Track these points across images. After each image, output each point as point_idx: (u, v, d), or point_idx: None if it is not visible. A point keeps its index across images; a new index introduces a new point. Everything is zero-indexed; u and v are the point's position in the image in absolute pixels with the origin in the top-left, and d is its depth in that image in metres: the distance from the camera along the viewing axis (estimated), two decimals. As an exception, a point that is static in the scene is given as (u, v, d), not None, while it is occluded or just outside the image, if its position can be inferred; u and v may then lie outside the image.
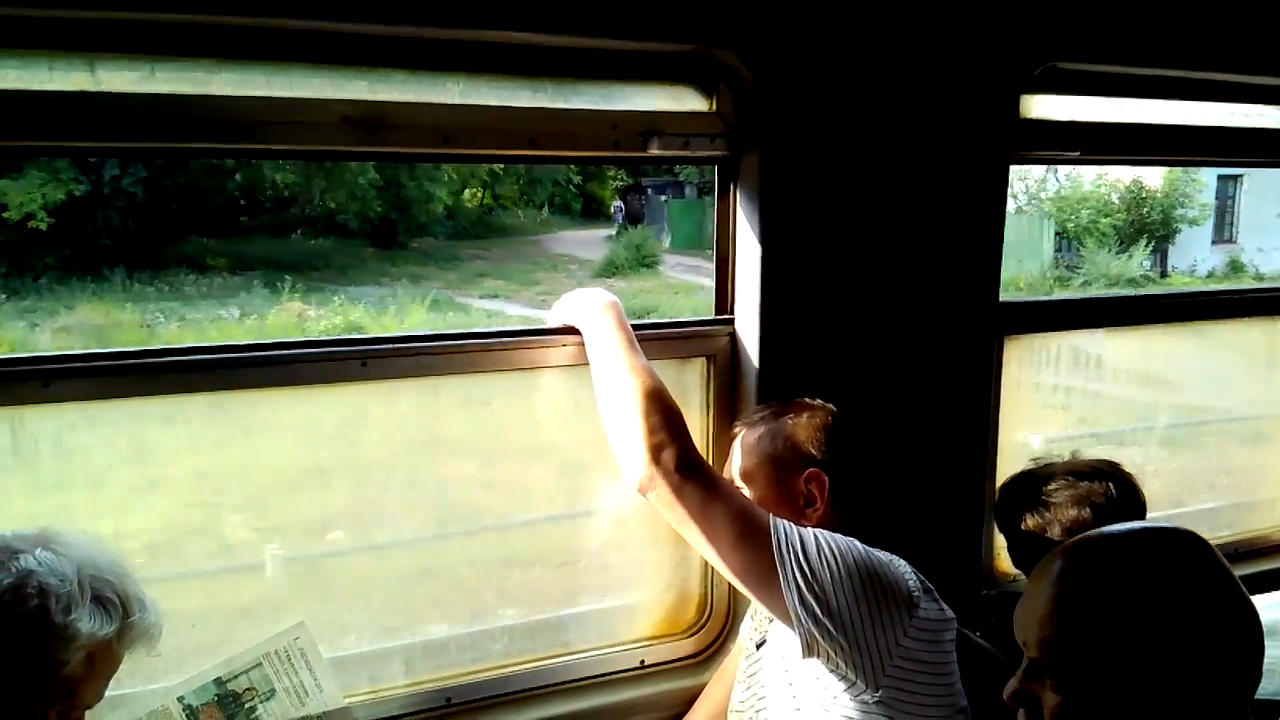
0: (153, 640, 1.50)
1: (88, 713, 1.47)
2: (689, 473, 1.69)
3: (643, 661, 2.19)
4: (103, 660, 1.44)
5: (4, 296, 16.20)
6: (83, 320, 15.03)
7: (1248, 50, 2.44)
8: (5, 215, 16.08)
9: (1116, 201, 25.01)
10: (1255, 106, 2.69)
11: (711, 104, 2.04)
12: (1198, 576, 1.23)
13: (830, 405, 1.93)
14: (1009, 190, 2.34)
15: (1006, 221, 2.29)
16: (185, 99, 1.63)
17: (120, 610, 1.44)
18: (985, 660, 2.06)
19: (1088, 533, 1.37)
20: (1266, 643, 1.25)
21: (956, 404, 2.30)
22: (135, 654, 1.50)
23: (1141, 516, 2.04)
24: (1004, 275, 2.30)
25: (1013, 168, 2.31)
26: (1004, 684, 2.04)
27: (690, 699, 2.16)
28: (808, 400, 1.95)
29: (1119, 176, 24.23)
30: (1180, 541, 1.27)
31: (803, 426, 1.88)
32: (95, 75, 1.58)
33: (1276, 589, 2.68)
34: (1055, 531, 2.01)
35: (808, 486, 1.83)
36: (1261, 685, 1.26)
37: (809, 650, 1.64)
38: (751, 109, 2.00)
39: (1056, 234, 24.08)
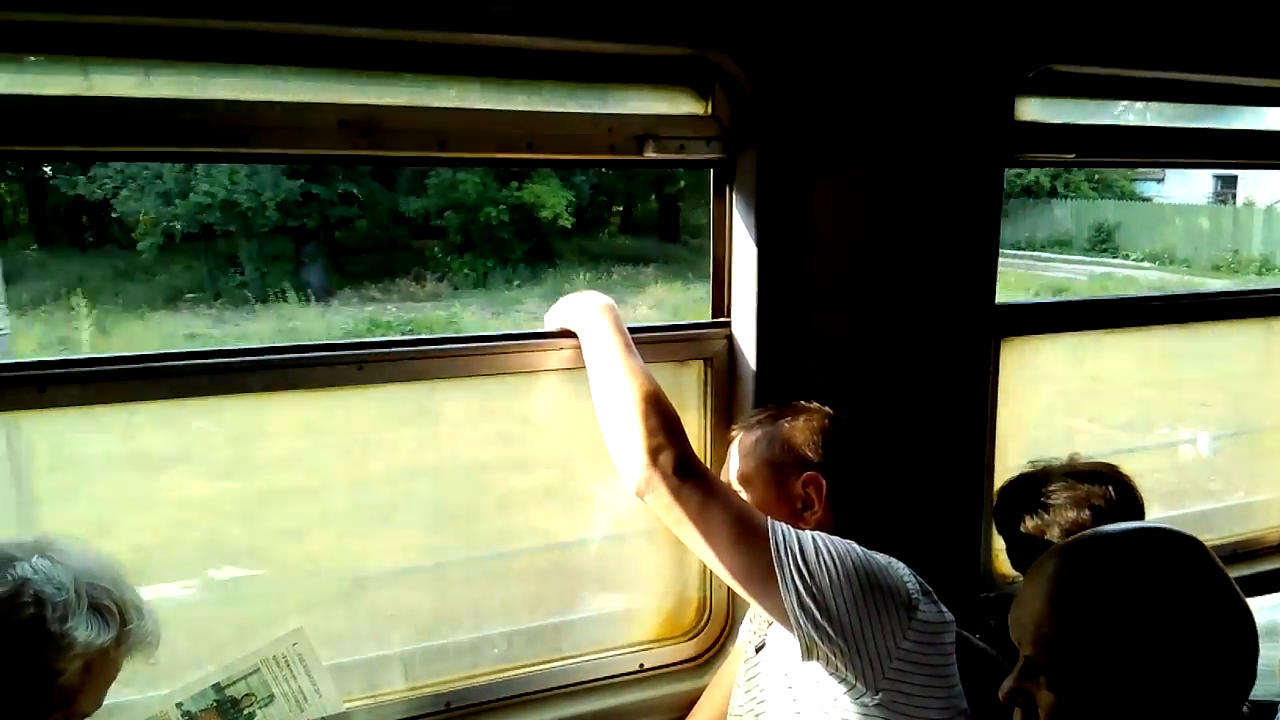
0: (150, 648, 1.49)
1: None
2: (687, 475, 1.69)
3: (642, 665, 2.19)
4: (100, 669, 1.43)
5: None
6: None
7: (1242, 52, 2.45)
8: (541, 215, 20.54)
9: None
10: (1251, 108, 2.70)
11: (707, 107, 2.04)
12: (1192, 577, 1.23)
13: (827, 408, 1.93)
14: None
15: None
16: (180, 103, 1.63)
17: (118, 618, 1.43)
18: (985, 662, 2.06)
19: (1083, 532, 1.37)
20: (1262, 644, 1.26)
21: (954, 406, 2.30)
22: (133, 662, 1.49)
23: (1140, 519, 2.04)
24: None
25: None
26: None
27: (689, 702, 2.16)
28: (805, 403, 1.95)
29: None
30: (1175, 542, 1.27)
31: (800, 429, 1.88)
32: (89, 79, 1.58)
33: (1273, 590, 2.69)
34: (1054, 533, 2.01)
35: (805, 489, 1.83)
36: (1258, 686, 1.26)
37: (808, 653, 1.63)
38: (747, 112, 2.00)
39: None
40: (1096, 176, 27.19)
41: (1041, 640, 1.26)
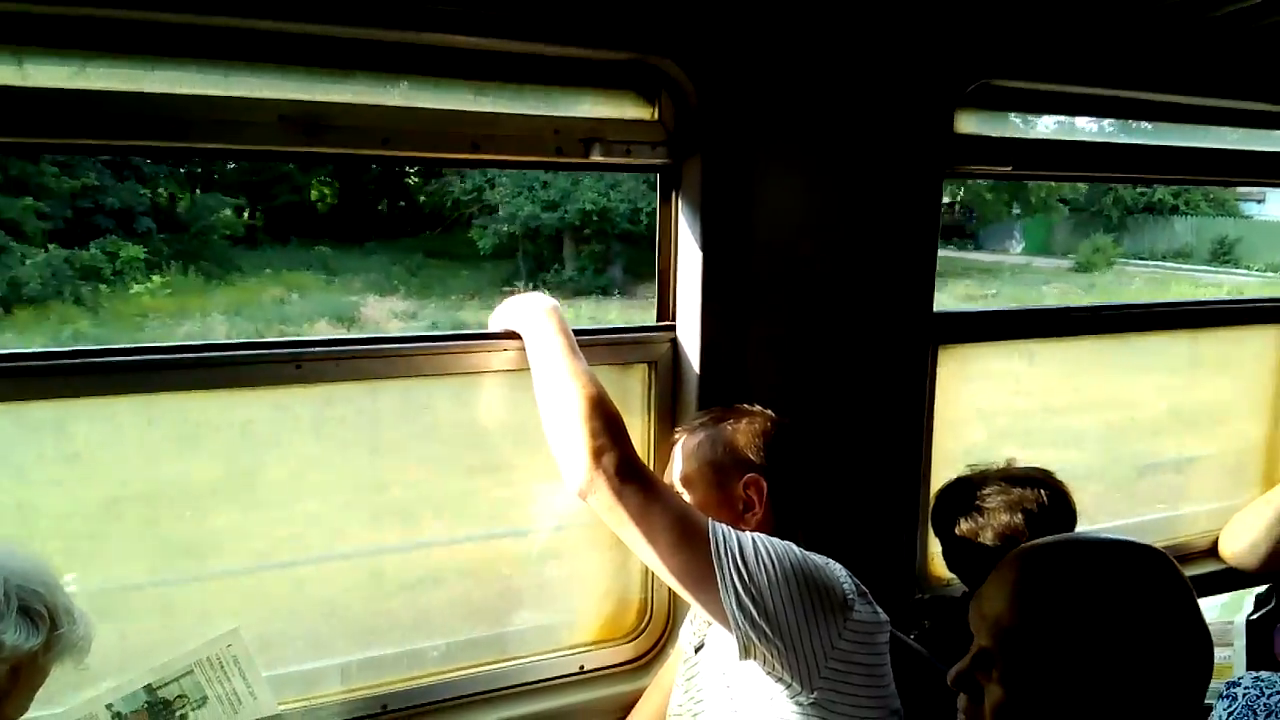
0: (81, 653, 1.46)
1: None
2: (629, 477, 1.70)
3: (582, 667, 2.20)
4: (28, 673, 1.40)
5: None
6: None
7: (1175, 70, 2.53)
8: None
9: None
10: (1187, 126, 2.79)
11: (653, 112, 2.05)
12: (1159, 589, 1.25)
13: (769, 411, 1.96)
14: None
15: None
16: (117, 95, 1.60)
17: (48, 622, 1.40)
18: (919, 663, 2.10)
19: (1060, 535, 1.39)
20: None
21: (892, 411, 2.34)
22: (63, 667, 1.46)
23: (1072, 524, 2.10)
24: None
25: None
26: (936, 686, 2.08)
27: (629, 704, 2.17)
28: (747, 406, 1.97)
29: None
30: (1148, 556, 1.29)
31: (742, 432, 1.90)
32: (22, 69, 1.54)
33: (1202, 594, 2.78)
34: (988, 536, 2.06)
35: (746, 491, 1.85)
36: None
37: (746, 652, 1.65)
38: (692, 118, 2.02)
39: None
40: (1211, 195, 29.41)
41: (1000, 633, 1.27)
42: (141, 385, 1.72)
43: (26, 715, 1.46)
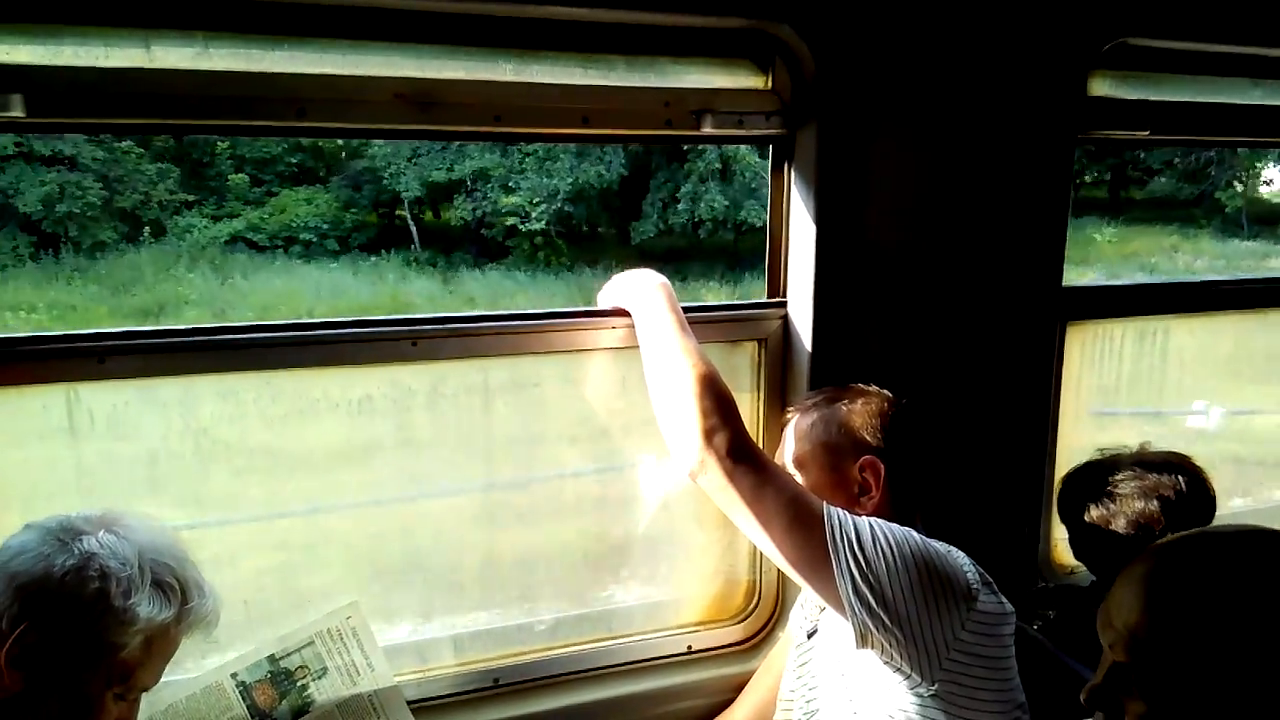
0: (210, 626, 1.51)
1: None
2: (741, 458, 1.67)
3: (690, 647, 2.18)
4: (160, 644, 1.45)
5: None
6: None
7: None
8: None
9: None
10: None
11: (767, 81, 1.99)
12: None
13: (886, 391, 1.89)
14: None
15: None
16: (239, 76, 1.63)
17: (179, 595, 1.45)
18: (1042, 655, 2.01)
19: (1182, 532, 1.30)
20: None
21: (1016, 391, 2.24)
22: (193, 639, 1.51)
23: (1211, 512, 1.98)
24: None
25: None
26: (1061, 679, 2.00)
27: (738, 686, 2.15)
28: (863, 386, 1.91)
29: None
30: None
31: (858, 413, 1.84)
32: (150, 52, 1.58)
33: None
34: (1120, 524, 1.96)
35: (863, 474, 1.80)
36: None
37: (863, 641, 1.60)
38: (808, 86, 1.95)
39: None
40: None
41: (1136, 644, 1.20)
42: (260, 362, 1.76)
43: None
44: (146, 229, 21.50)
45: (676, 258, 22.61)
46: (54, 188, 20.47)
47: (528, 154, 23.16)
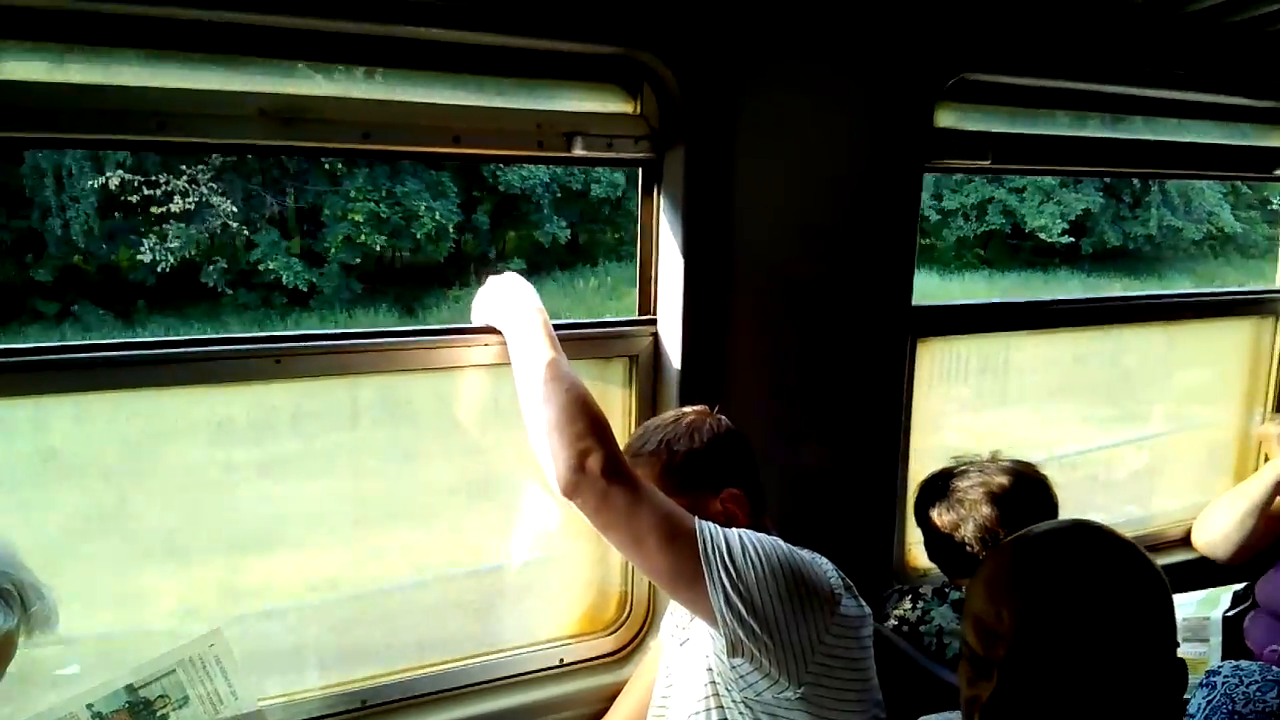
0: (51, 626, 1.47)
1: None
2: (615, 478, 1.67)
3: (562, 660, 2.20)
4: (2, 651, 1.41)
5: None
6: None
7: (1149, 65, 2.56)
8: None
9: None
10: (1160, 119, 2.82)
11: (636, 106, 2.05)
12: (1124, 571, 1.30)
13: (704, 407, 1.90)
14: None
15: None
16: (95, 89, 1.57)
17: (19, 602, 1.41)
18: (896, 655, 2.12)
19: (1023, 530, 1.42)
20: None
21: (872, 403, 2.36)
22: (34, 640, 1.46)
23: (1053, 516, 2.12)
24: None
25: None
26: (914, 678, 2.11)
27: (610, 696, 2.17)
28: (686, 412, 1.90)
29: None
30: (1110, 540, 1.34)
31: (700, 455, 1.83)
32: (1, 64, 1.51)
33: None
34: (968, 527, 2.09)
35: (725, 506, 1.82)
36: None
37: (734, 650, 1.65)
38: (675, 111, 2.01)
39: None
40: None
41: (983, 630, 1.32)
42: (116, 382, 1.70)
43: (8, 716, 1.45)
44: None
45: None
46: None
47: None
